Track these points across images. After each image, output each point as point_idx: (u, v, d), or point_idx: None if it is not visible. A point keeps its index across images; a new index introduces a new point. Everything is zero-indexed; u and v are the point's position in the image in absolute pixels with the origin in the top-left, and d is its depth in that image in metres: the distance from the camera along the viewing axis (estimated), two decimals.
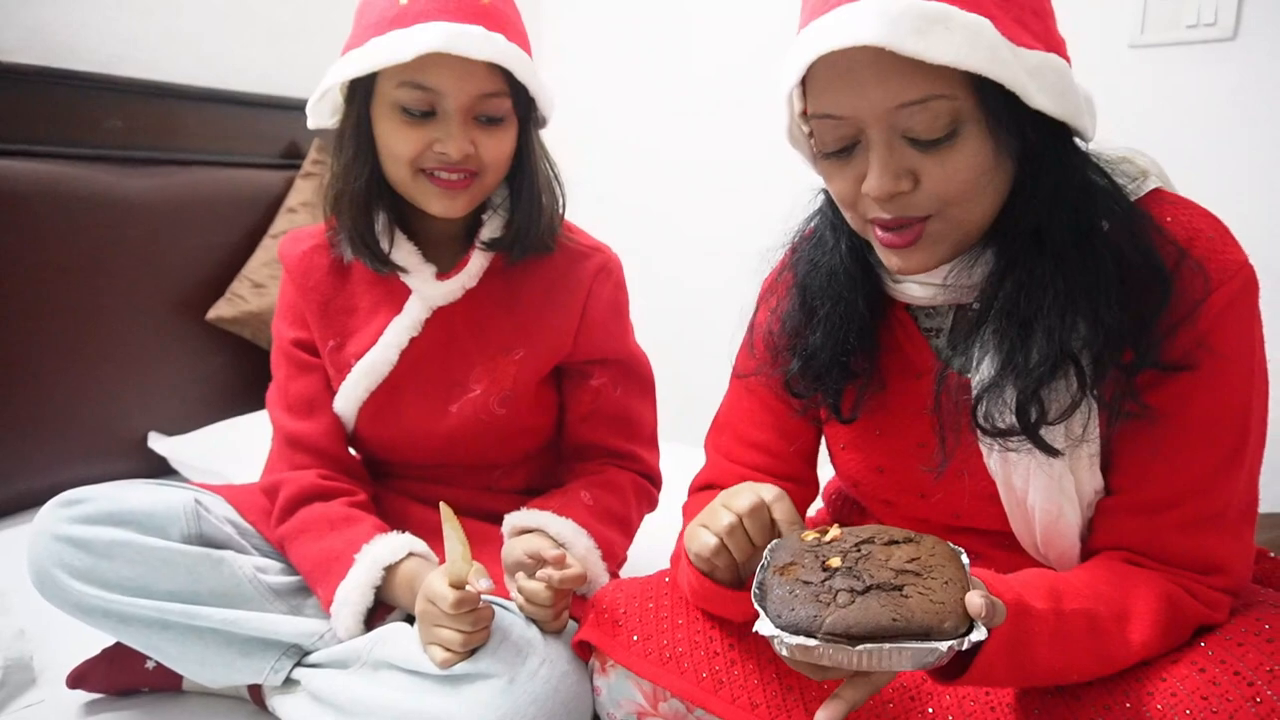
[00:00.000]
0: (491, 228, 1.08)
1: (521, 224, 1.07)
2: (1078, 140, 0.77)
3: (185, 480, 1.54)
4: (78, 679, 1.06)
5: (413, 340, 1.08)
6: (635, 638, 0.87)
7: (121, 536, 0.96)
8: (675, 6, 2.44)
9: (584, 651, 0.93)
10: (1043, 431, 0.75)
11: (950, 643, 0.61)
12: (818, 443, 1.00)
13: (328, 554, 1.01)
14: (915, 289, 0.84)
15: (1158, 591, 0.75)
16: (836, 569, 0.66)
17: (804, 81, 0.76)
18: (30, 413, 1.61)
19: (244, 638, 0.99)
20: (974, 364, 0.79)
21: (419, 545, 1.01)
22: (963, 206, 0.74)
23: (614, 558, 1.08)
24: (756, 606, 0.66)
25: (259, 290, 1.87)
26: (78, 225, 1.64)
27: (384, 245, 1.06)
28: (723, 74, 2.37)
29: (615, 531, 1.10)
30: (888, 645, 0.60)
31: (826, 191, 0.88)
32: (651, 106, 2.51)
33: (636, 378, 1.19)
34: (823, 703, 0.67)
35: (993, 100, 0.70)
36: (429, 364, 1.10)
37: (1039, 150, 0.73)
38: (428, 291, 1.07)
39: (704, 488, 1.03)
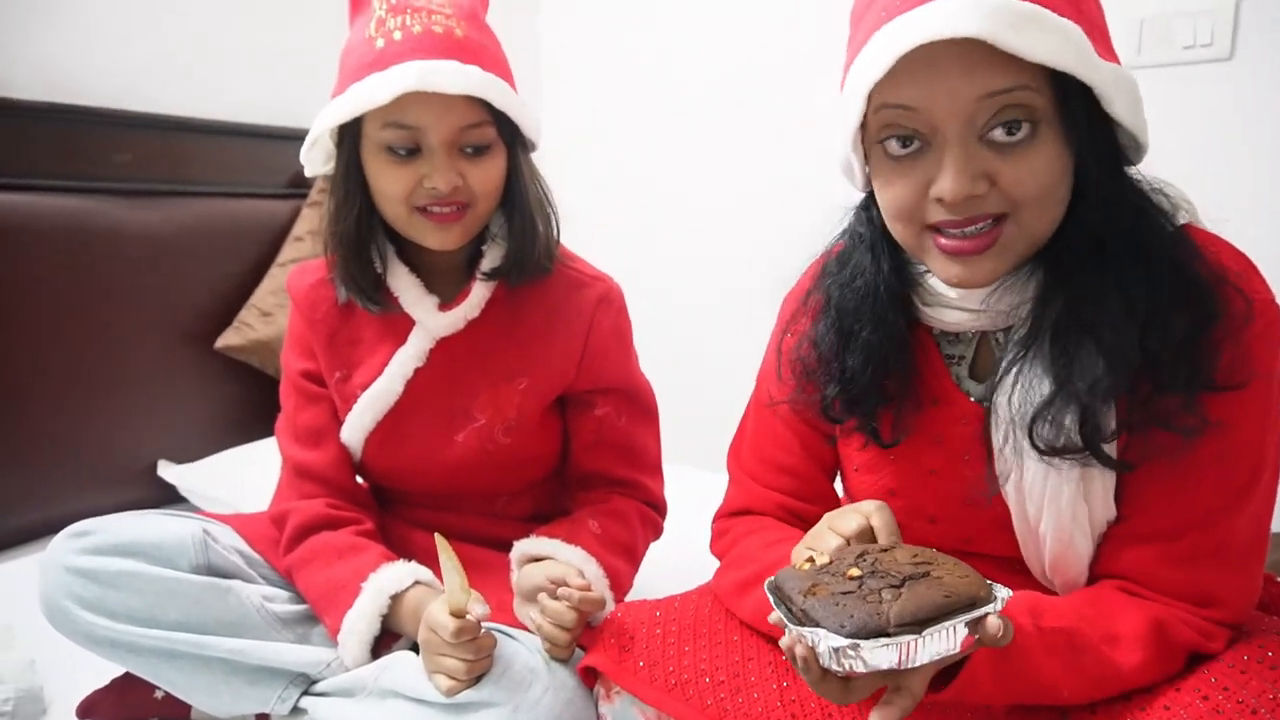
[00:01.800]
0: (492, 258, 1.09)
1: (517, 249, 1.08)
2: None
3: (194, 508, 1.55)
4: (87, 709, 1.07)
5: (417, 371, 1.10)
6: (641, 664, 0.87)
7: (130, 567, 0.97)
8: (678, 20, 2.45)
9: (589, 678, 0.93)
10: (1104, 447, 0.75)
11: (992, 605, 0.64)
12: (838, 461, 1.00)
13: (334, 583, 1.02)
14: (949, 314, 0.84)
15: (1145, 615, 0.75)
16: (861, 576, 0.66)
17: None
18: (40, 443, 1.62)
19: (251, 667, 1.00)
20: (1019, 385, 0.78)
21: (425, 574, 1.02)
22: (1035, 210, 0.74)
23: (620, 587, 1.09)
24: (802, 632, 0.65)
25: (266, 319, 1.88)
26: (87, 257, 1.66)
27: (383, 278, 1.08)
28: (729, 86, 2.38)
29: (621, 560, 1.11)
30: (950, 620, 0.62)
31: (862, 210, 0.88)
32: (655, 121, 2.52)
33: (640, 406, 1.20)
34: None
35: (1073, 103, 0.71)
36: (434, 394, 1.11)
37: (1104, 161, 0.74)
38: (430, 323, 1.08)
39: (737, 513, 1.02)
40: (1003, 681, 0.70)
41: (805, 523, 0.95)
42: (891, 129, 0.74)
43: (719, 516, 1.05)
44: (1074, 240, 0.76)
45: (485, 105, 0.99)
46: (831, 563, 0.70)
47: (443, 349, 1.10)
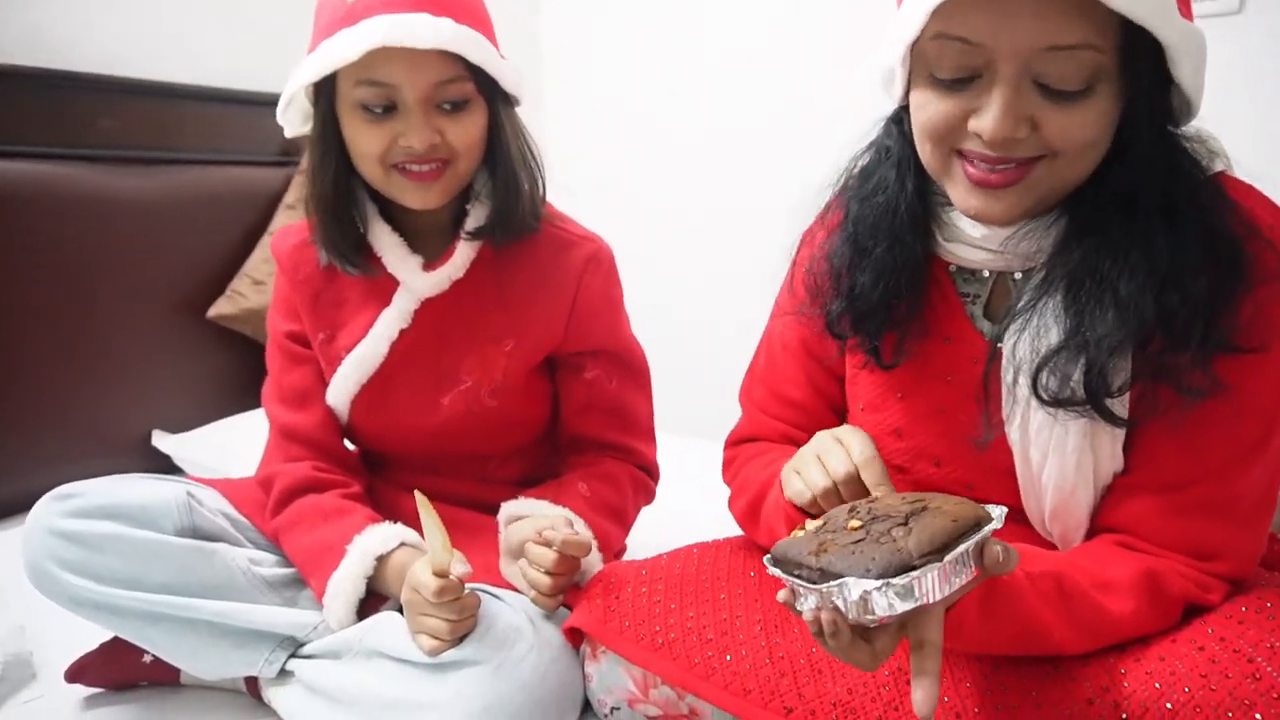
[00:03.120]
0: (476, 217, 1.07)
1: (501, 207, 1.05)
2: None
3: (188, 477, 1.54)
4: (76, 673, 1.07)
5: (402, 332, 1.08)
6: (627, 623, 0.86)
7: (114, 530, 0.96)
8: (678, 18, 2.42)
9: (575, 639, 0.92)
10: (1107, 402, 0.74)
11: (995, 521, 0.64)
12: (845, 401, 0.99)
13: (320, 545, 1.01)
14: (968, 251, 0.82)
15: (1138, 565, 0.74)
16: (863, 524, 0.65)
17: None
18: (33, 414, 1.62)
19: (237, 630, 0.99)
20: (1028, 331, 0.77)
21: (410, 535, 1.01)
22: (1070, 161, 0.72)
23: (609, 548, 1.07)
24: (830, 588, 0.62)
25: (259, 287, 1.87)
26: (75, 226, 1.64)
27: (366, 239, 1.07)
28: (727, 59, 2.36)
29: (611, 523, 1.10)
30: (965, 544, 0.61)
31: (893, 124, 0.85)
32: (656, 93, 2.50)
33: (631, 369, 1.18)
34: (911, 688, 0.64)
35: (1140, 62, 0.69)
36: (419, 356, 1.09)
37: (1154, 121, 0.72)
38: (414, 283, 1.07)
39: (743, 441, 1.03)
40: (989, 623, 0.69)
41: None
42: (946, 59, 0.71)
43: (728, 445, 1.06)
44: (1104, 192, 0.74)
45: (462, 60, 0.96)
46: (826, 523, 0.69)
47: (428, 310, 1.08)
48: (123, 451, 1.75)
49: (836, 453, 0.76)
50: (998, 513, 0.65)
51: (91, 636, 1.06)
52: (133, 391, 1.77)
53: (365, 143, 0.98)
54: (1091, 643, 0.73)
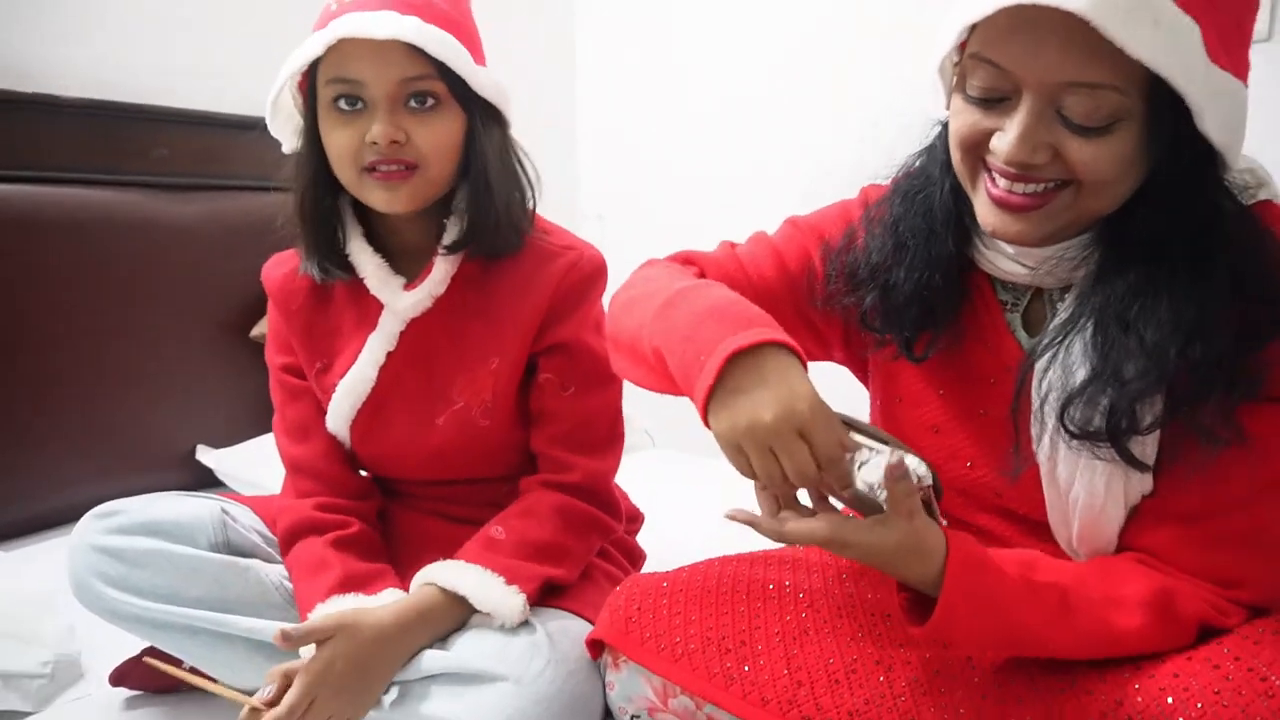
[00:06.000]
0: (452, 231, 1.05)
1: (476, 220, 1.03)
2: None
3: (232, 492, 1.59)
4: (119, 677, 1.10)
5: (390, 355, 1.08)
6: (648, 635, 0.87)
7: (153, 546, 0.99)
8: (712, 18, 2.45)
9: (595, 650, 0.94)
10: (1130, 442, 0.74)
11: (910, 456, 0.69)
12: (834, 337, 0.98)
13: (301, 600, 1.02)
14: (1004, 262, 0.83)
15: (1152, 582, 0.74)
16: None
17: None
18: (83, 429, 1.68)
19: (272, 644, 1.01)
20: (1058, 360, 0.77)
21: (366, 602, 0.98)
22: (1092, 192, 0.73)
23: (527, 580, 0.99)
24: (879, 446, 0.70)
25: None
26: (128, 249, 1.72)
27: (346, 257, 1.07)
28: (761, 82, 2.37)
29: (530, 559, 1.01)
30: (884, 436, 0.69)
31: (943, 126, 0.87)
32: (687, 117, 2.51)
33: (585, 371, 1.09)
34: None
35: (1161, 108, 0.69)
36: (410, 378, 1.09)
37: (1183, 169, 0.72)
38: (397, 304, 1.06)
39: (685, 263, 0.97)
40: (980, 616, 0.70)
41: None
42: (977, 78, 0.74)
43: (666, 259, 0.97)
44: (1135, 232, 0.74)
45: (434, 63, 0.96)
46: None
47: (413, 331, 1.08)
48: (168, 466, 1.81)
49: (798, 453, 0.67)
50: (916, 462, 0.70)
51: (136, 641, 1.08)
52: (178, 408, 1.83)
53: (337, 142, 0.98)
54: (1098, 653, 0.73)
